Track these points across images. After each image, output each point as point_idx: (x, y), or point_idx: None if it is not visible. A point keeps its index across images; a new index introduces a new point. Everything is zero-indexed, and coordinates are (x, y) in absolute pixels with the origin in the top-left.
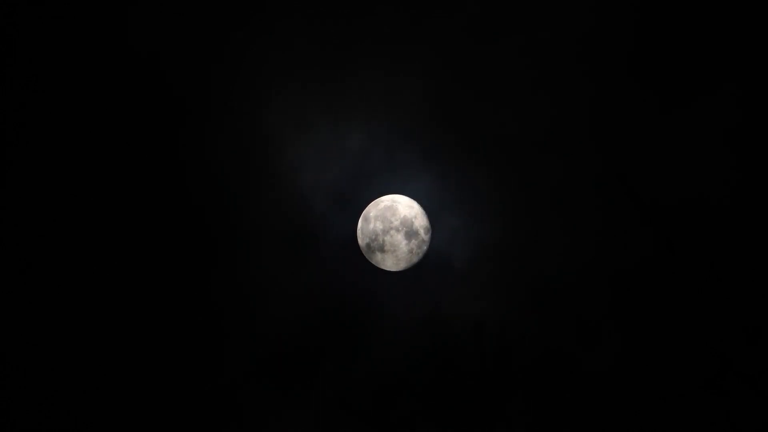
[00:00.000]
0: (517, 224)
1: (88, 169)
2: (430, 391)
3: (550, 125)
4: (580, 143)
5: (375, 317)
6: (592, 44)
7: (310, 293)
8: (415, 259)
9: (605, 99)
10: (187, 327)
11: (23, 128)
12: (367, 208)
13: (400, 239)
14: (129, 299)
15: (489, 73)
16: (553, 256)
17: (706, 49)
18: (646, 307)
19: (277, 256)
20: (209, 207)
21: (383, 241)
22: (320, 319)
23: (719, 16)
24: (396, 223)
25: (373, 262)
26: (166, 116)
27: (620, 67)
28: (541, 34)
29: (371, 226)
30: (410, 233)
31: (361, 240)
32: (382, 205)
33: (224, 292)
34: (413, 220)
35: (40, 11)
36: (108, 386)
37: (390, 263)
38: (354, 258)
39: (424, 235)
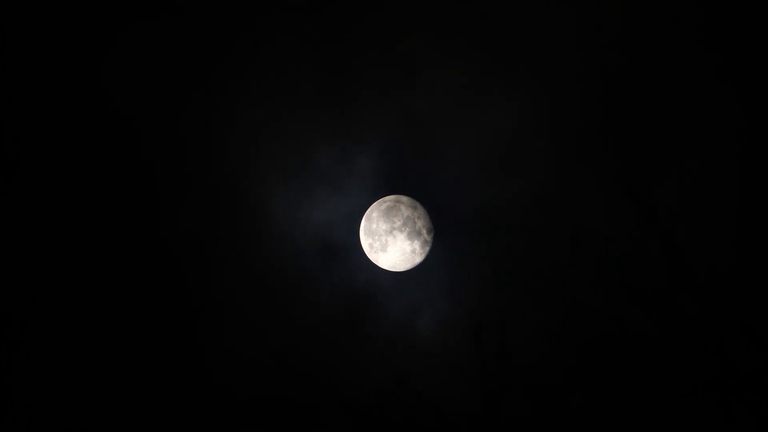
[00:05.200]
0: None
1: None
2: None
3: (516, 201)
4: (547, 217)
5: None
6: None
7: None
8: (417, 260)
9: (569, 175)
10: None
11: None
12: (370, 209)
13: (402, 239)
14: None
15: (456, 147)
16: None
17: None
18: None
19: (263, 311)
20: (191, 266)
21: (386, 241)
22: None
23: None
24: (398, 223)
25: (375, 262)
26: (146, 180)
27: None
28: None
29: (374, 226)
30: (413, 233)
31: (364, 240)
32: (384, 205)
33: (212, 347)
34: (416, 220)
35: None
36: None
37: (392, 263)
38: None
39: (427, 236)
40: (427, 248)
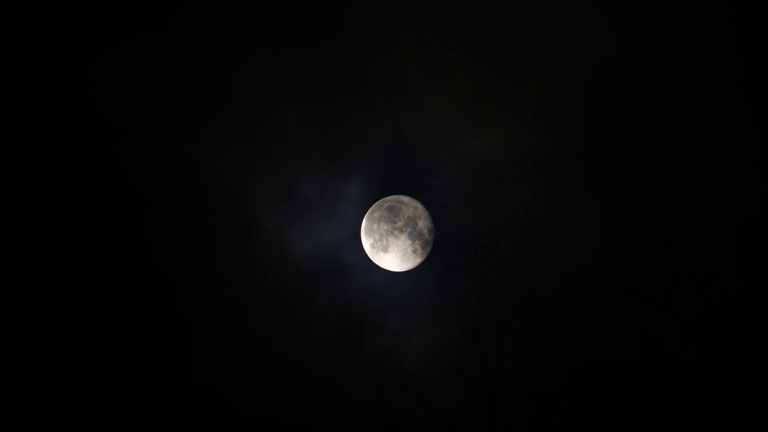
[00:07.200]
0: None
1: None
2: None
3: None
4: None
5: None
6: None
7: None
8: (418, 260)
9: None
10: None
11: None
12: (371, 209)
13: (403, 240)
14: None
15: (442, 180)
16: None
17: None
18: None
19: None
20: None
21: (387, 241)
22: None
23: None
24: (400, 223)
25: (377, 262)
26: (140, 197)
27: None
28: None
29: (375, 226)
30: (414, 234)
31: (365, 240)
32: (386, 205)
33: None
34: (417, 220)
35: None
36: None
37: (394, 264)
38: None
39: (428, 236)
40: (428, 248)
